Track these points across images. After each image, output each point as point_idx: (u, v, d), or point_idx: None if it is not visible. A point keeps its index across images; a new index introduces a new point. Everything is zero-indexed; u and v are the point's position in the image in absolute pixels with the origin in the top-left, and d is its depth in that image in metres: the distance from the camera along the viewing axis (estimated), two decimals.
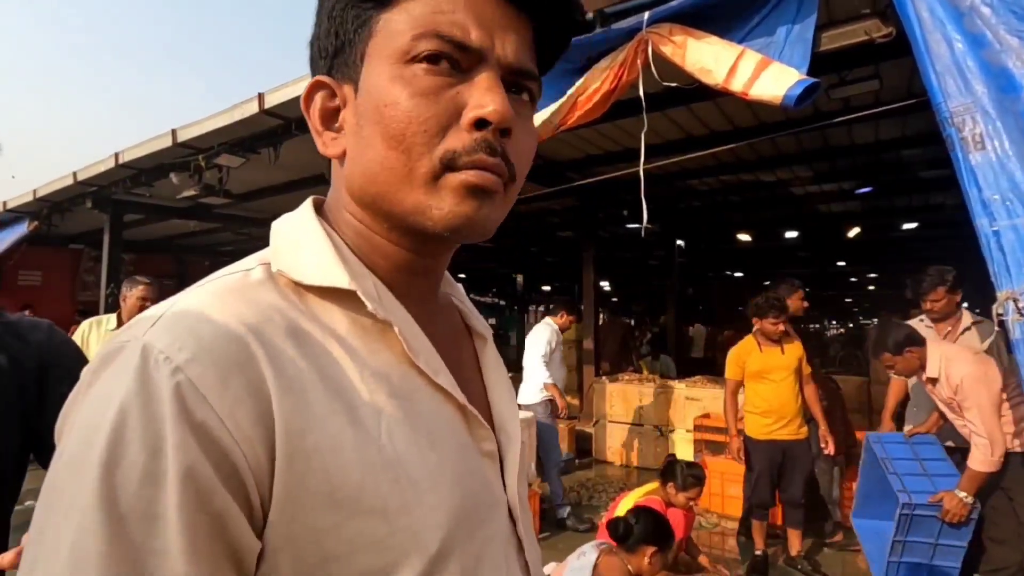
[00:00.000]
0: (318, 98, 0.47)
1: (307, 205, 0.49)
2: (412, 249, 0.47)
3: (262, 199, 5.97)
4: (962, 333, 2.99)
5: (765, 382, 3.27)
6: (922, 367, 2.62)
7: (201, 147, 4.38)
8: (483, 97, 0.41)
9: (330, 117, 0.47)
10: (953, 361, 2.51)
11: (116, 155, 4.88)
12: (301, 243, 0.45)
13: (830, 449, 3.26)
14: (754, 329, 3.35)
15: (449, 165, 0.41)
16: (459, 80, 0.42)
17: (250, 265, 0.44)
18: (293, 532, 0.36)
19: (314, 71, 0.48)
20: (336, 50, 0.45)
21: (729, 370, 3.42)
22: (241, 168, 4.50)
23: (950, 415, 2.62)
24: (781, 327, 3.23)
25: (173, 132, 4.33)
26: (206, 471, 0.33)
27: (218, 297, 0.39)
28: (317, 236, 0.45)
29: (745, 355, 3.35)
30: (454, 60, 0.42)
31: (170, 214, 6.77)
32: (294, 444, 0.36)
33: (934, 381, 2.59)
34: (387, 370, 0.43)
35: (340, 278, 0.43)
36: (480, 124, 0.41)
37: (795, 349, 3.30)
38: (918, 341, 2.65)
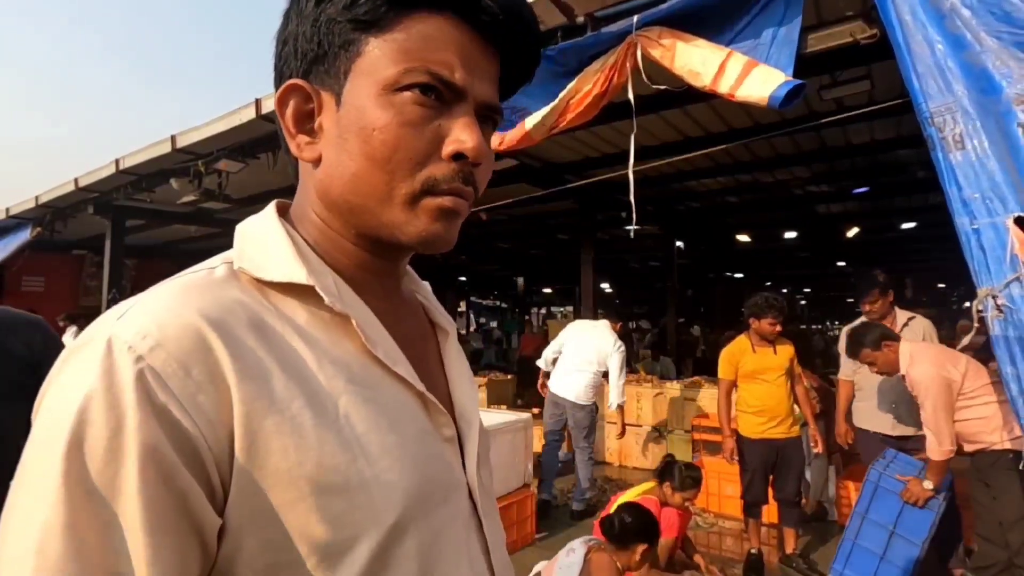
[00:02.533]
0: (292, 101, 0.49)
1: (270, 208, 0.52)
2: (372, 252, 0.51)
3: (262, 203, 5.85)
4: (900, 329, 3.13)
5: (759, 382, 3.29)
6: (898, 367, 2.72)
7: (200, 152, 4.42)
8: (462, 133, 0.46)
9: (303, 120, 0.49)
10: (916, 361, 2.61)
11: (117, 161, 4.93)
12: (264, 243, 0.48)
13: (819, 448, 3.31)
14: (750, 329, 3.37)
15: (429, 190, 0.46)
16: (440, 113, 0.46)
17: (214, 264, 0.47)
18: (255, 510, 0.38)
19: (281, 66, 0.50)
20: (316, 57, 0.47)
21: (722, 370, 3.43)
22: (240, 173, 4.54)
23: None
24: (779, 328, 3.25)
25: (172, 138, 4.37)
26: (167, 451, 0.36)
27: (182, 292, 0.42)
28: (278, 236, 0.48)
29: (739, 355, 3.36)
30: (439, 94, 0.46)
31: (171, 219, 6.82)
32: (254, 428, 0.38)
33: (903, 377, 2.69)
34: (347, 360, 0.45)
35: (299, 274, 0.46)
36: (458, 157, 0.46)
37: (787, 349, 3.33)
38: (893, 337, 2.76)
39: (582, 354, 4.18)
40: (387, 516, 0.42)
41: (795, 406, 3.37)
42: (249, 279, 0.46)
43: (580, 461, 4.16)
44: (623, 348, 4.20)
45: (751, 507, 3.36)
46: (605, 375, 4.23)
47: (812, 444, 3.33)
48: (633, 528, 2.18)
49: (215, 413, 0.38)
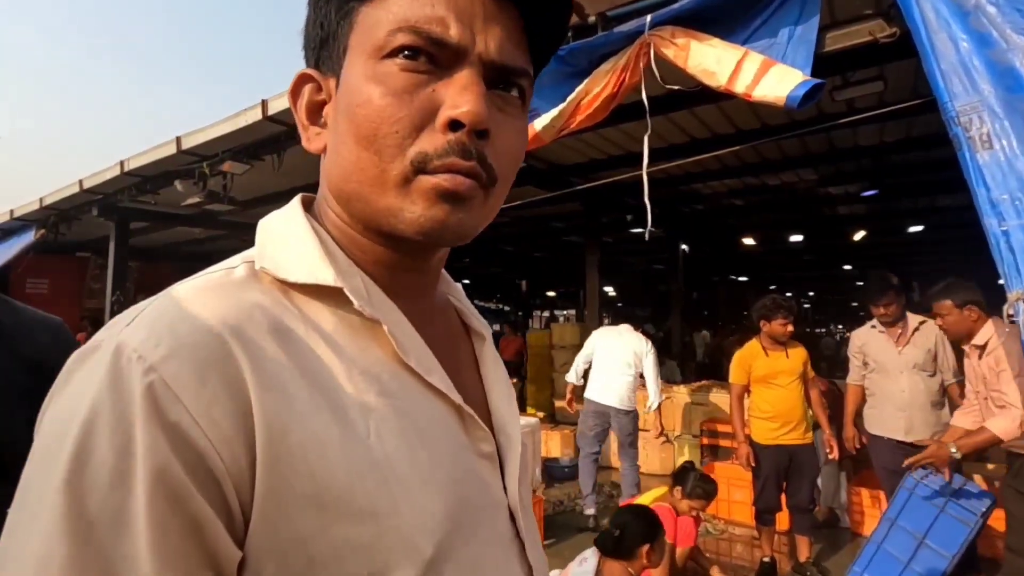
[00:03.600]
0: (306, 91, 0.46)
1: (295, 202, 0.47)
2: (393, 248, 0.45)
3: (267, 206, 5.97)
4: (912, 334, 3.09)
5: (771, 387, 3.23)
6: (970, 335, 2.60)
7: (205, 154, 4.41)
8: (458, 97, 0.39)
9: (316, 111, 0.46)
10: (996, 333, 2.48)
11: (121, 163, 4.92)
12: (287, 240, 0.44)
13: (834, 454, 3.24)
14: (760, 332, 3.32)
15: (421, 168, 0.40)
16: (437, 77, 0.40)
17: (234, 263, 0.43)
18: (277, 536, 0.34)
19: (306, 61, 0.47)
20: (321, 41, 0.44)
21: (734, 375, 3.37)
22: (245, 175, 4.53)
23: (979, 396, 2.59)
24: (790, 328, 3.19)
25: (177, 139, 4.36)
26: (178, 474, 0.32)
27: (198, 295, 0.38)
28: (304, 233, 0.44)
29: (751, 359, 3.31)
30: (432, 56, 0.40)
31: (175, 221, 6.81)
32: (276, 444, 0.35)
33: (981, 350, 2.55)
34: (377, 369, 0.41)
35: (326, 275, 0.41)
36: (454, 125, 0.39)
37: (800, 353, 3.27)
38: (981, 305, 2.62)
39: (619, 357, 4.05)
40: (422, 544, 0.38)
41: (808, 411, 3.32)
42: (271, 280, 0.42)
43: (627, 469, 4.05)
44: (653, 348, 4.13)
45: (763, 514, 3.30)
46: (639, 377, 4.15)
47: (827, 450, 3.26)
48: (628, 537, 2.11)
49: (233, 429, 0.34)
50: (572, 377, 4.30)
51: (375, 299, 0.44)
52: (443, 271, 0.56)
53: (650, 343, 4.13)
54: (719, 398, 5.12)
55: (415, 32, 0.39)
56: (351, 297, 0.41)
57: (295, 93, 0.46)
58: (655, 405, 4.06)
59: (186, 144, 4.31)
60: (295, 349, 0.38)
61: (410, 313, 0.46)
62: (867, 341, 3.28)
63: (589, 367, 4.22)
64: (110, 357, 0.33)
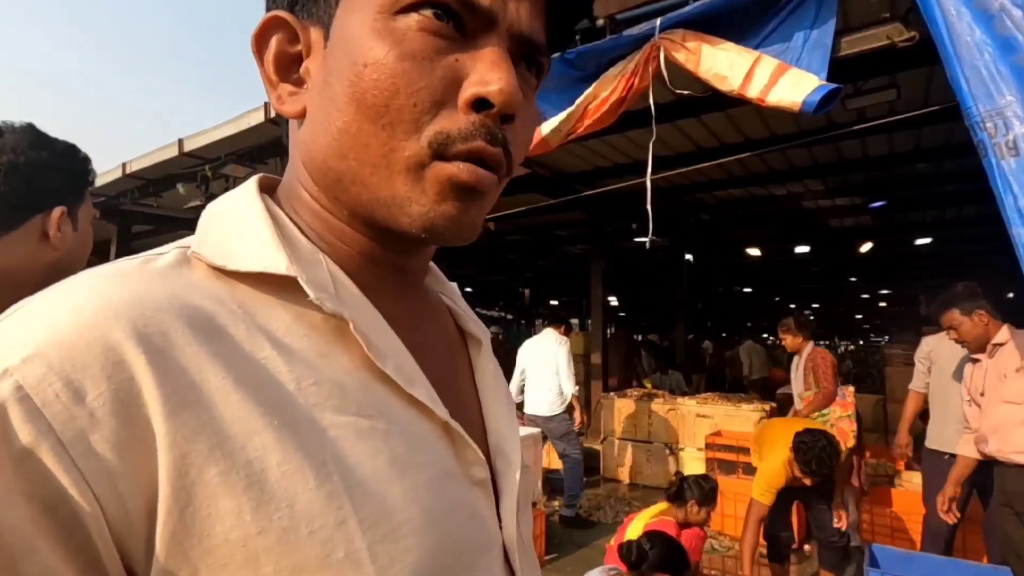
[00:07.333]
0: (274, 40, 0.38)
1: (251, 182, 0.40)
2: (379, 242, 0.39)
3: None
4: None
5: None
6: (986, 339, 2.52)
7: (208, 157, 4.37)
8: (489, 72, 0.33)
9: (289, 66, 0.38)
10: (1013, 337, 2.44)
11: (123, 165, 4.89)
12: (235, 223, 0.36)
13: (842, 524, 2.89)
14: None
15: (440, 152, 0.33)
16: (460, 46, 0.34)
17: (163, 250, 0.35)
18: None
19: (273, 2, 0.39)
20: None
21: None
22: (247, 178, 4.49)
23: (973, 407, 2.52)
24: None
25: (180, 142, 4.33)
26: (22, 523, 0.24)
27: (101, 283, 0.30)
28: (255, 215, 0.36)
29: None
30: (459, 20, 0.34)
31: (178, 225, 6.77)
32: (190, 480, 0.27)
33: (997, 347, 2.47)
34: (341, 378, 0.33)
35: (277, 262, 0.34)
36: (480, 105, 0.34)
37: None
38: (989, 310, 2.55)
39: (540, 369, 4.29)
40: None
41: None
42: (207, 269, 0.34)
43: (565, 468, 4.22)
44: (566, 342, 4.36)
45: (771, 547, 3.06)
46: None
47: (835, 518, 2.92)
48: (655, 558, 2.04)
49: (122, 462, 0.26)
50: (513, 392, 4.53)
51: (343, 293, 0.36)
52: (435, 268, 0.49)
53: (565, 340, 4.37)
54: (724, 410, 5.03)
55: None
56: (306, 288, 0.33)
57: (260, 41, 0.37)
58: (569, 394, 4.25)
59: (188, 147, 4.28)
60: (228, 353, 0.30)
61: (392, 314, 0.38)
62: (936, 347, 3.04)
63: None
64: None
